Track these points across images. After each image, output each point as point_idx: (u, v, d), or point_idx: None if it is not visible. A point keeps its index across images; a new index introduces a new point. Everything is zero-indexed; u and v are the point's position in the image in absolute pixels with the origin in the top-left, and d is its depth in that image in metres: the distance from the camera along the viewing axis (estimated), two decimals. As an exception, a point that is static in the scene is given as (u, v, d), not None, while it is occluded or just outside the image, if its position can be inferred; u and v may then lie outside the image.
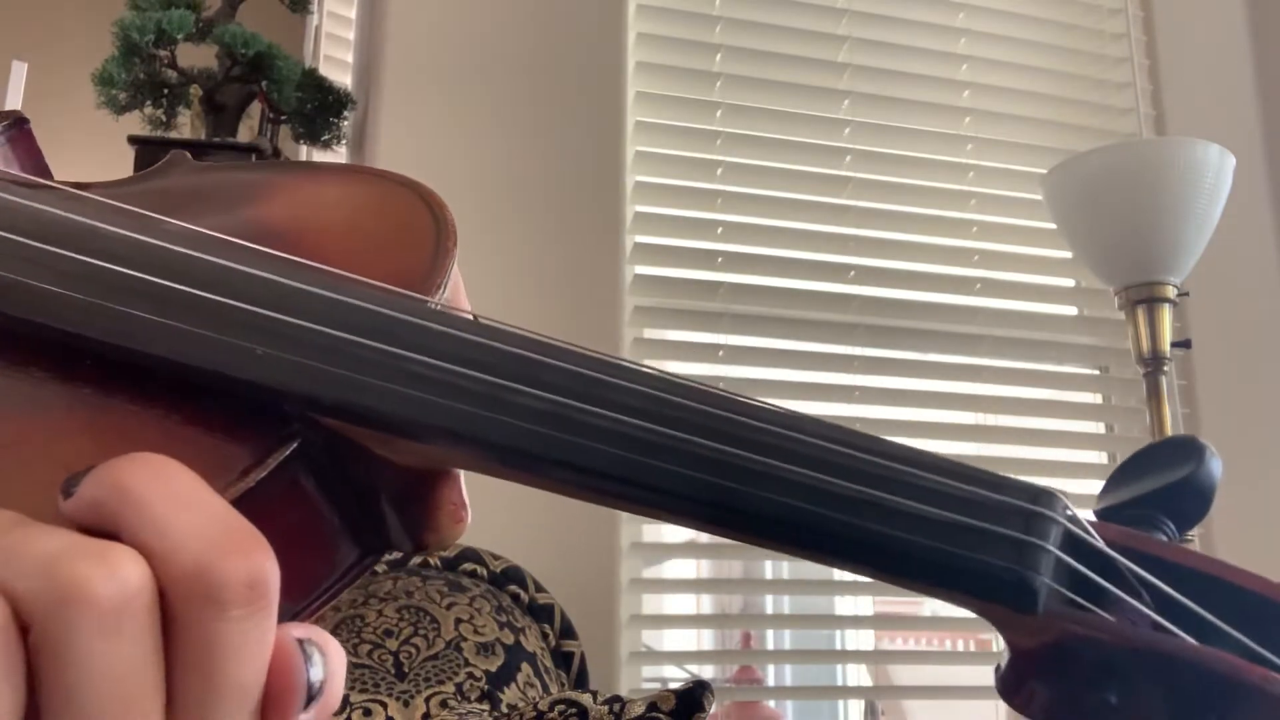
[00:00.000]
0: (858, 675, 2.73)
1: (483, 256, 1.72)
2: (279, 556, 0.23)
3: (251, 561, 0.22)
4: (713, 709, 1.11)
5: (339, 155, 1.72)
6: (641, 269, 1.84)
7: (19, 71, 1.53)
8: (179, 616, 0.22)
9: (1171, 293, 1.56)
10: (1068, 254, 1.94)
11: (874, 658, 2.38)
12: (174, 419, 0.27)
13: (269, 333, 0.28)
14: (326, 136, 1.65)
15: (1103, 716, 0.25)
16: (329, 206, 0.38)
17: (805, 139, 1.97)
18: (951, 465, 0.26)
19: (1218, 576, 0.26)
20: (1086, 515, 0.28)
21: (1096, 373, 2.07)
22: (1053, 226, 1.73)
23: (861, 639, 2.32)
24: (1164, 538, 0.27)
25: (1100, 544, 0.25)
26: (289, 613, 0.27)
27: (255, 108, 1.64)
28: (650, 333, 1.85)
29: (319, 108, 1.63)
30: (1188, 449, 0.28)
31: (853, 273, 1.93)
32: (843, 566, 0.27)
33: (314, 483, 0.27)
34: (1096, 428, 2.06)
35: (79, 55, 1.62)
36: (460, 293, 0.34)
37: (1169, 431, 1.57)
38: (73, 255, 0.29)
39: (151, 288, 0.29)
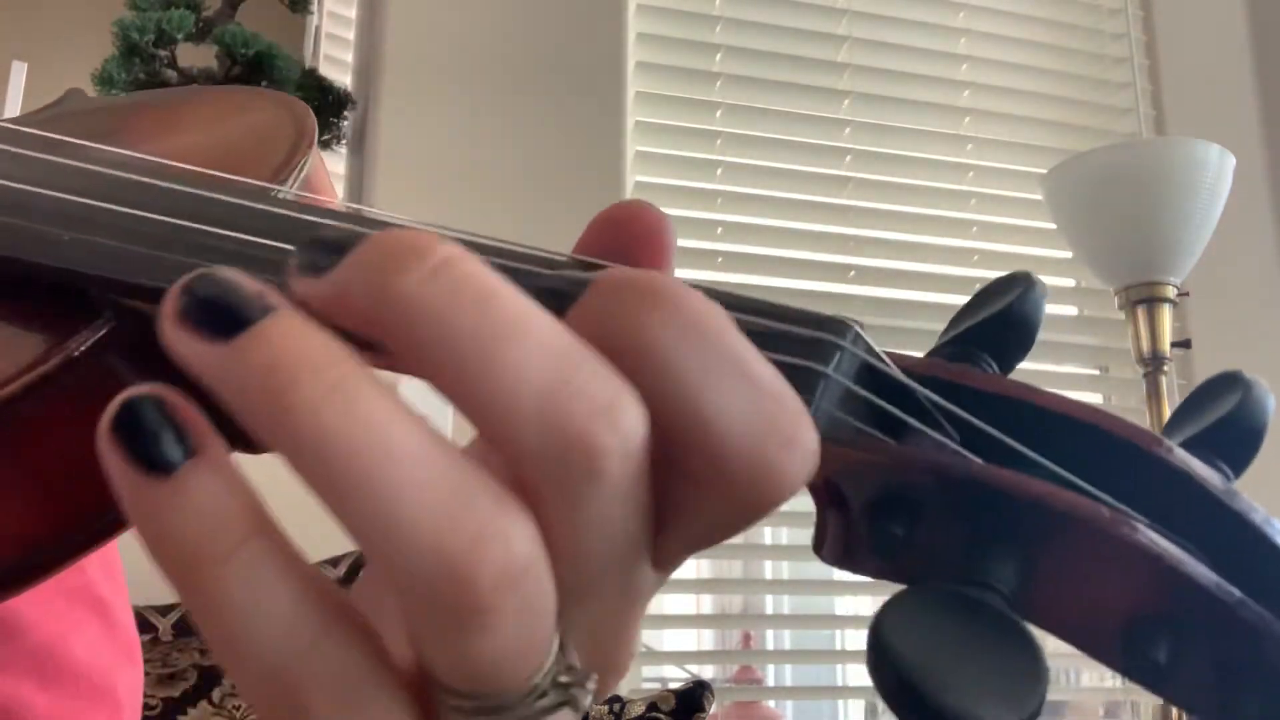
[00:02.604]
0: (858, 675, 2.72)
1: (483, 256, 1.72)
2: (83, 450, 0.20)
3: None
4: (713, 709, 1.12)
5: (339, 155, 1.71)
6: (641, 269, 1.84)
7: (19, 71, 1.53)
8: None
9: (1171, 293, 1.56)
10: (1068, 254, 1.93)
11: (874, 658, 2.38)
12: None
13: (73, 218, 0.27)
14: (326, 136, 1.65)
15: (894, 551, 0.23)
16: (195, 116, 0.38)
17: (805, 139, 1.97)
18: (741, 299, 0.24)
19: (1036, 404, 0.24)
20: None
21: (1096, 373, 2.07)
22: (1053, 226, 1.73)
23: (861, 639, 2.31)
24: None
25: (895, 372, 0.23)
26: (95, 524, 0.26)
27: (255, 108, 1.64)
28: (650, 333, 1.85)
29: (318, 108, 1.63)
30: (1011, 281, 0.26)
31: (853, 273, 1.93)
32: None
33: (132, 373, 0.26)
34: (1096, 428, 2.06)
35: (79, 55, 1.62)
36: (323, 189, 0.34)
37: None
38: None
39: None
